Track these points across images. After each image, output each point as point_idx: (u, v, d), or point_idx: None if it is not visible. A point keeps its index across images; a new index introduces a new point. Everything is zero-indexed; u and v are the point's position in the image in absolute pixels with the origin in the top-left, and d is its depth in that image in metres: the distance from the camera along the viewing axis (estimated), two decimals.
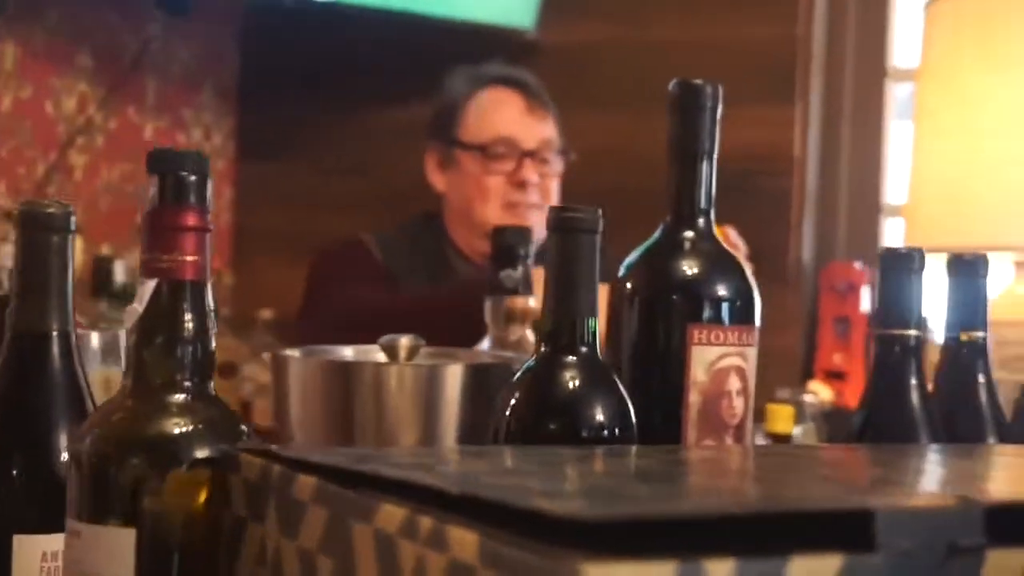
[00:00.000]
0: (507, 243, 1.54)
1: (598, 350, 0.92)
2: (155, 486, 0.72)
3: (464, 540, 0.49)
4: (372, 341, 1.22)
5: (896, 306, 1.13)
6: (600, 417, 0.89)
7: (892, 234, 2.85)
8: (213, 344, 0.76)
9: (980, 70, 2.24)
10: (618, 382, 0.92)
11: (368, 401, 1.16)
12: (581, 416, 0.89)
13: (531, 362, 0.92)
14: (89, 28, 2.83)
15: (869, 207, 2.89)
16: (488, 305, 1.48)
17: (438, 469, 0.65)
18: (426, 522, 0.51)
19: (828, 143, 2.89)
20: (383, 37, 3.02)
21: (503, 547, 0.46)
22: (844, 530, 0.49)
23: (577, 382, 0.90)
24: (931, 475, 0.72)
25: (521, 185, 2.25)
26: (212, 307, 0.76)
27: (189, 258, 0.75)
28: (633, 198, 2.82)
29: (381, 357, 1.22)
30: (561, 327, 0.91)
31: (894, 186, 2.87)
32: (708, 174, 1.10)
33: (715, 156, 1.11)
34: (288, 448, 0.74)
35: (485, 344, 1.48)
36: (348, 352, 1.31)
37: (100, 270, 1.93)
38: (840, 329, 2.66)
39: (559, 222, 0.91)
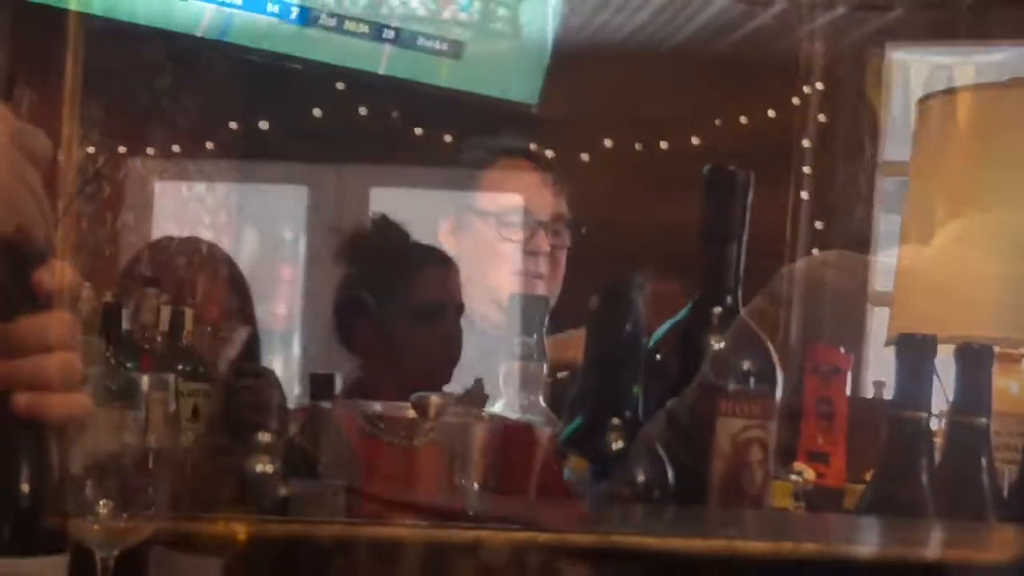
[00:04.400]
0: (524, 311, 1.58)
1: (639, 413, 0.98)
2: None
3: None
4: None
5: (909, 389, 1.19)
6: (642, 478, 0.95)
7: (877, 322, 2.92)
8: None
9: (969, 166, 2.32)
10: (659, 447, 0.98)
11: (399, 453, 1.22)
12: (626, 477, 0.95)
13: (578, 422, 0.98)
14: (103, 80, 2.88)
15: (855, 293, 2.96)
16: (503, 370, 1.53)
17: None
18: None
19: (818, 230, 2.97)
20: (392, 103, 3.09)
21: None
22: None
23: (622, 444, 0.96)
24: None
25: (533, 254, 2.31)
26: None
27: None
28: (621, 265, 2.89)
29: (411, 413, 1.28)
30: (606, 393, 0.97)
31: (882, 275, 2.95)
32: (737, 255, 1.17)
33: (744, 238, 1.18)
34: None
35: (498, 407, 1.53)
36: (378, 407, 1.37)
37: (109, 316, 1.96)
38: (823, 410, 2.72)
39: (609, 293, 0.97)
